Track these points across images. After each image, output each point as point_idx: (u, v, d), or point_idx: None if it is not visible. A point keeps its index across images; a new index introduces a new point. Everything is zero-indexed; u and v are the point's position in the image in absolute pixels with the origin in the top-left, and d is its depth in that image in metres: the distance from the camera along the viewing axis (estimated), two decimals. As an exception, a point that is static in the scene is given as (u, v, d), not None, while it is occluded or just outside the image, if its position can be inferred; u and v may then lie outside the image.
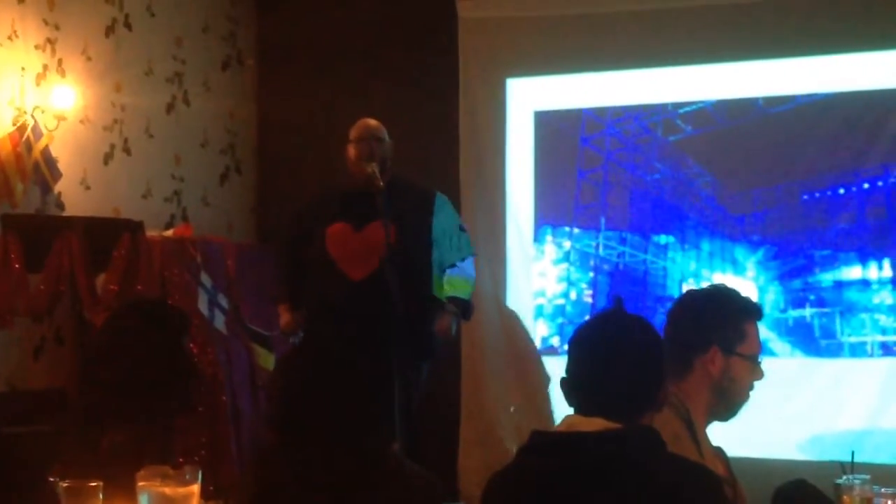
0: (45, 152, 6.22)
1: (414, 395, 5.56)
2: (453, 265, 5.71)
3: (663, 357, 2.60)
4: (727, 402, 3.18)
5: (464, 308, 5.70)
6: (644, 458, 2.40)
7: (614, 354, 2.54)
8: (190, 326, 3.65)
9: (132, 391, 3.34)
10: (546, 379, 7.10)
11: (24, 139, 6.07)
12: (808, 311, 6.77)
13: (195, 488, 2.82)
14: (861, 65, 6.65)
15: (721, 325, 3.18)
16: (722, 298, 3.23)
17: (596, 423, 2.47)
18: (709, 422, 3.15)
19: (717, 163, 7.01)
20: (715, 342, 3.14)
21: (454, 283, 5.70)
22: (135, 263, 5.93)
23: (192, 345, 5.89)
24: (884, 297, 6.62)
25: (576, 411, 2.56)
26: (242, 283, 6.58)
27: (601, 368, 2.54)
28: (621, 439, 2.42)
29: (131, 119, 7.04)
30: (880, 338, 6.61)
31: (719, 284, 3.48)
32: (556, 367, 7.11)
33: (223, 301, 6.47)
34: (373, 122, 5.71)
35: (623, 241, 7.20)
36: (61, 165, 6.36)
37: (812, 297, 6.77)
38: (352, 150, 5.61)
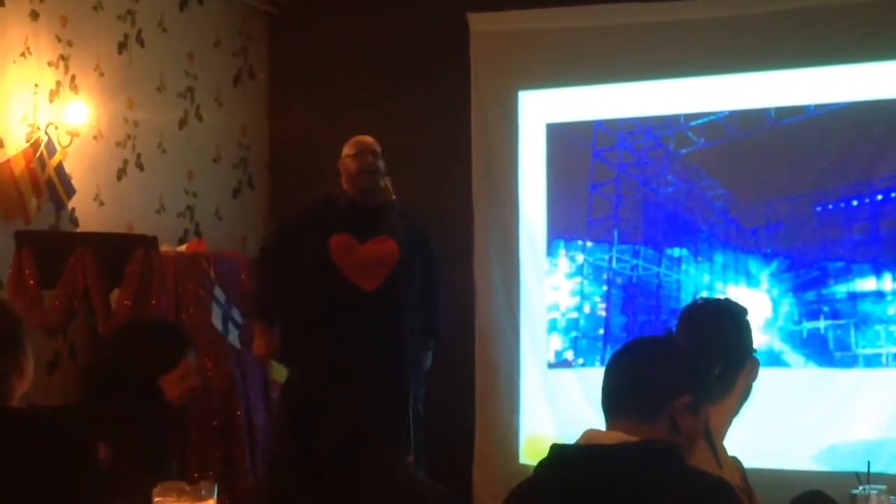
0: (59, 168, 6.23)
1: (418, 406, 5.58)
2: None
3: (684, 374, 2.60)
4: (744, 403, 3.19)
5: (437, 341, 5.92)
6: (662, 472, 2.40)
7: (635, 364, 2.56)
8: (180, 355, 3.65)
9: (116, 409, 3.38)
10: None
11: (37, 155, 6.09)
12: (822, 323, 6.76)
13: (211, 503, 2.83)
14: (873, 75, 6.64)
15: (751, 334, 3.20)
16: (743, 310, 3.24)
17: (615, 437, 2.47)
18: (728, 428, 3.16)
19: (730, 175, 7.00)
20: (751, 353, 3.17)
21: None
22: (148, 279, 5.93)
23: (205, 359, 5.93)
24: (898, 307, 6.62)
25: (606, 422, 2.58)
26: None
27: (627, 373, 2.57)
28: (639, 452, 2.42)
29: (144, 135, 7.05)
30: (895, 349, 6.60)
31: (722, 299, 3.48)
32: (569, 381, 7.10)
33: (237, 315, 6.48)
34: (368, 138, 5.74)
35: (636, 255, 7.19)
36: (75, 181, 6.38)
37: (826, 309, 6.76)
38: (352, 164, 5.62)
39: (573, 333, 7.30)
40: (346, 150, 5.69)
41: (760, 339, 6.64)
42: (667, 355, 2.61)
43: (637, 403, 2.53)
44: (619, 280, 7.22)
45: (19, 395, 3.05)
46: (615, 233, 7.24)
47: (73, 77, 6.51)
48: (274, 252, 5.76)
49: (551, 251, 7.33)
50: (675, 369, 2.58)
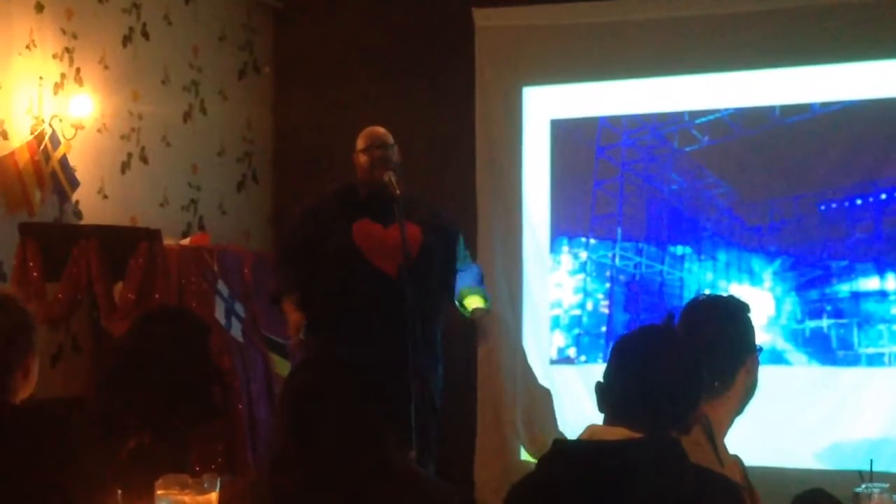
0: (63, 161, 6.23)
1: (435, 398, 5.56)
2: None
3: (703, 382, 2.60)
4: (747, 402, 3.17)
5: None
6: (665, 468, 2.40)
7: (656, 372, 2.54)
8: (210, 333, 3.66)
9: (160, 399, 3.35)
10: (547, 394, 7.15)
11: (42, 148, 6.09)
12: (825, 322, 6.76)
13: (213, 496, 2.83)
14: (878, 73, 6.64)
15: (752, 332, 3.18)
16: (741, 306, 3.23)
17: (618, 433, 2.47)
18: (730, 426, 3.15)
19: (734, 173, 7.00)
20: (752, 350, 3.15)
21: (472, 296, 5.71)
22: (152, 272, 5.94)
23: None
24: (901, 307, 6.62)
25: (605, 418, 2.56)
26: (259, 291, 6.57)
27: (640, 383, 2.54)
28: (643, 449, 2.41)
29: (148, 128, 7.06)
30: (897, 348, 6.61)
31: (724, 296, 3.47)
32: (572, 377, 7.10)
33: (240, 309, 6.47)
34: (380, 129, 5.69)
35: (639, 252, 7.19)
36: (79, 174, 6.38)
37: (829, 308, 6.76)
38: (363, 158, 5.58)
39: (576, 331, 7.30)
40: (358, 143, 5.66)
41: (763, 338, 6.65)
42: (682, 364, 2.57)
43: (655, 416, 2.51)
44: (622, 277, 7.22)
45: (23, 396, 3.03)
46: (618, 230, 7.24)
47: (78, 70, 6.51)
48: (295, 241, 5.73)
49: (554, 248, 7.33)
50: (694, 383, 2.57)
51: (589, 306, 7.29)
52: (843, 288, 6.73)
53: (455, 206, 6.96)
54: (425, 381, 5.25)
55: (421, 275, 5.21)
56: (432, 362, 5.51)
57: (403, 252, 5.13)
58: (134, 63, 6.97)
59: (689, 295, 6.98)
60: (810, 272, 6.82)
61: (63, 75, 6.40)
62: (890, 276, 6.65)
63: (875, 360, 6.63)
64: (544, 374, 7.20)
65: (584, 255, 7.30)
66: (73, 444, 2.87)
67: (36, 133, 6.12)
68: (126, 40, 6.92)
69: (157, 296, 5.89)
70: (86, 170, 6.50)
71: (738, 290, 6.81)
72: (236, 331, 6.39)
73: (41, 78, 6.24)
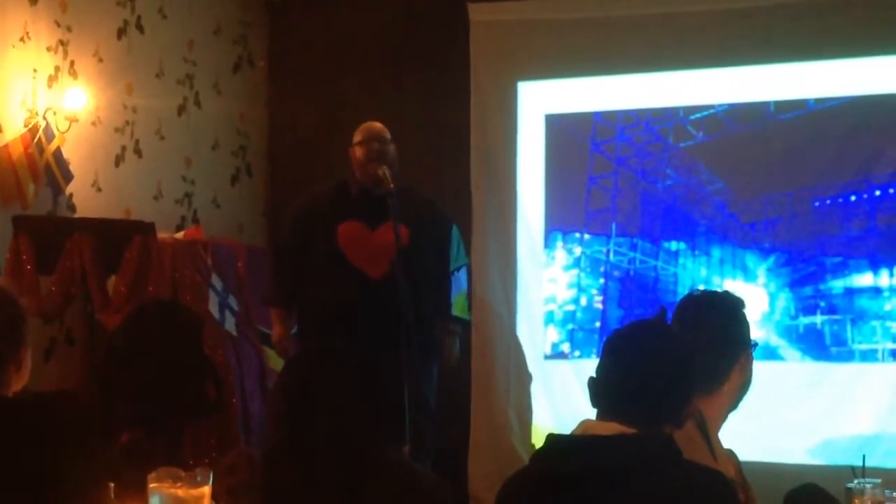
0: (57, 154, 6.22)
1: (428, 396, 5.57)
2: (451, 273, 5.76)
3: (695, 376, 2.60)
4: (741, 397, 3.18)
5: (465, 326, 5.81)
6: (659, 464, 2.40)
7: (649, 366, 2.54)
8: (203, 327, 3.67)
9: (153, 394, 3.35)
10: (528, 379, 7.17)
11: (35, 141, 6.08)
12: (818, 318, 6.76)
13: (206, 490, 2.82)
14: (873, 69, 6.63)
15: (747, 327, 3.19)
16: (736, 301, 3.23)
17: (612, 428, 2.47)
18: (724, 422, 3.15)
19: (728, 169, 6.99)
20: (747, 346, 3.16)
21: (455, 301, 5.76)
22: (146, 265, 5.93)
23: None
24: (895, 303, 6.60)
25: (598, 413, 2.56)
26: (253, 285, 6.58)
27: (633, 377, 2.54)
28: (636, 444, 2.42)
29: (142, 121, 7.05)
30: (891, 345, 6.60)
31: (718, 291, 3.47)
32: (566, 372, 7.10)
33: (233, 303, 6.47)
34: (377, 124, 5.71)
35: (634, 248, 7.19)
36: (73, 167, 6.37)
37: (823, 304, 6.76)
38: (359, 152, 5.60)
39: (570, 326, 7.29)
40: (355, 137, 5.68)
41: (757, 334, 6.58)
42: (675, 359, 2.57)
43: (648, 411, 2.51)
44: (616, 273, 7.22)
45: (16, 389, 3.02)
46: (613, 225, 7.24)
47: (72, 62, 6.50)
48: (288, 241, 5.76)
49: (549, 243, 7.33)
50: (687, 377, 2.58)
51: (583, 301, 7.29)
52: (837, 284, 6.73)
53: (449, 200, 6.98)
54: (418, 380, 5.26)
55: (407, 273, 5.23)
56: (425, 360, 5.52)
57: (397, 250, 5.14)
58: (128, 56, 6.96)
59: (682, 291, 6.98)
60: (804, 268, 6.82)
61: (57, 68, 6.38)
62: (884, 272, 6.65)
63: (868, 357, 6.63)
64: (538, 369, 7.20)
65: (578, 250, 7.29)
66: (66, 438, 2.87)
67: (30, 126, 6.10)
68: (121, 33, 6.91)
69: (150, 289, 5.87)
70: (80, 163, 6.49)
71: (732, 286, 6.80)
72: (230, 324, 6.39)
73: (35, 71, 6.23)
